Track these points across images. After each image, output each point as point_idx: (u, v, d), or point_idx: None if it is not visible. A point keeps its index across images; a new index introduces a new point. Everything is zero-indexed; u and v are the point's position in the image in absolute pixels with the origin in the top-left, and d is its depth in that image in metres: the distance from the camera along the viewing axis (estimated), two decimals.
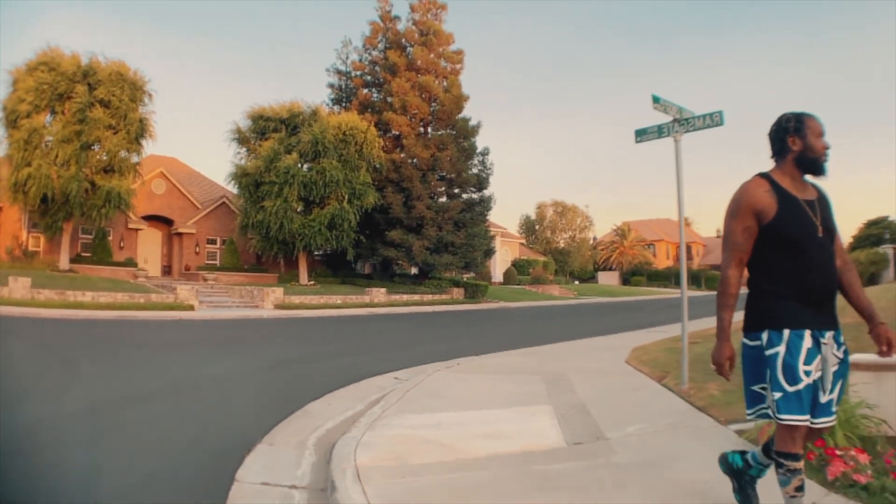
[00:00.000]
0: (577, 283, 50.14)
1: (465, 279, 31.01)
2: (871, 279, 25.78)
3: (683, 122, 5.28)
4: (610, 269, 55.38)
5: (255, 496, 3.17)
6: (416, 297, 25.06)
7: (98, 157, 21.08)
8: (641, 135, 5.55)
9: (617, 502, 2.83)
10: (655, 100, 5.17)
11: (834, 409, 2.26)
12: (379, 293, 23.52)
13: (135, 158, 22.21)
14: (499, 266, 42.20)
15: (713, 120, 5.17)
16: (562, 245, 55.14)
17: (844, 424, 3.36)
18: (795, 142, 2.30)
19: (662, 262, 58.95)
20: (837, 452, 3.10)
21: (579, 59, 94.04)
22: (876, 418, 3.52)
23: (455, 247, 26.91)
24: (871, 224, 34.19)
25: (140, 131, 21.66)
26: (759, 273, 2.29)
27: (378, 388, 6.44)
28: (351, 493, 2.92)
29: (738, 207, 2.27)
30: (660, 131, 5.43)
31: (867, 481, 2.85)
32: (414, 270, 28.99)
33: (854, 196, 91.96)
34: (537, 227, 56.36)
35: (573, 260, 54.13)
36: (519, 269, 42.07)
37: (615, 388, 5.75)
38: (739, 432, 3.93)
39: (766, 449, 2.45)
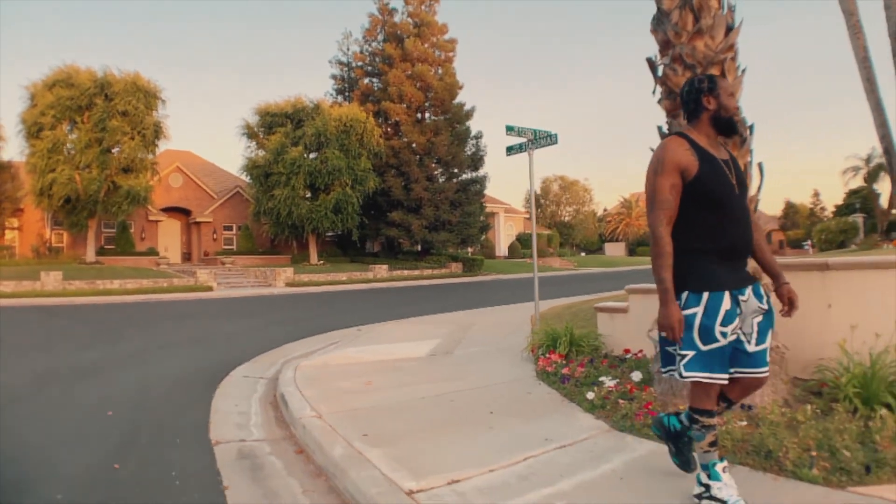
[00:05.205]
0: (583, 254, 52.18)
1: (470, 254, 33.43)
2: (841, 245, 27.51)
3: (534, 142, 7.53)
4: (617, 241, 57.17)
5: (237, 380, 5.72)
6: (417, 272, 27.54)
7: (117, 159, 22.87)
8: (510, 150, 7.80)
9: (422, 376, 5.26)
10: (508, 128, 7.41)
11: (768, 359, 2.30)
12: (381, 269, 25.98)
13: (151, 157, 24.04)
14: (503, 240, 44.56)
15: (551, 139, 7.43)
16: (566, 218, 57.02)
17: (577, 341, 5.58)
18: (710, 101, 2.33)
19: None
20: (549, 356, 5.39)
21: (570, 30, 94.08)
22: (600, 342, 5.66)
23: (452, 224, 29.25)
24: (853, 193, 35.47)
25: (155, 134, 23.66)
26: (680, 232, 2.27)
27: (341, 335, 8.94)
28: (286, 374, 5.42)
29: (663, 165, 2.25)
30: (520, 147, 7.69)
31: (552, 370, 5.00)
32: (417, 247, 31.45)
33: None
34: (543, 201, 58.18)
35: (577, 233, 56.08)
36: (523, 243, 44.18)
37: (495, 331, 8.16)
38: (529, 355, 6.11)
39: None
